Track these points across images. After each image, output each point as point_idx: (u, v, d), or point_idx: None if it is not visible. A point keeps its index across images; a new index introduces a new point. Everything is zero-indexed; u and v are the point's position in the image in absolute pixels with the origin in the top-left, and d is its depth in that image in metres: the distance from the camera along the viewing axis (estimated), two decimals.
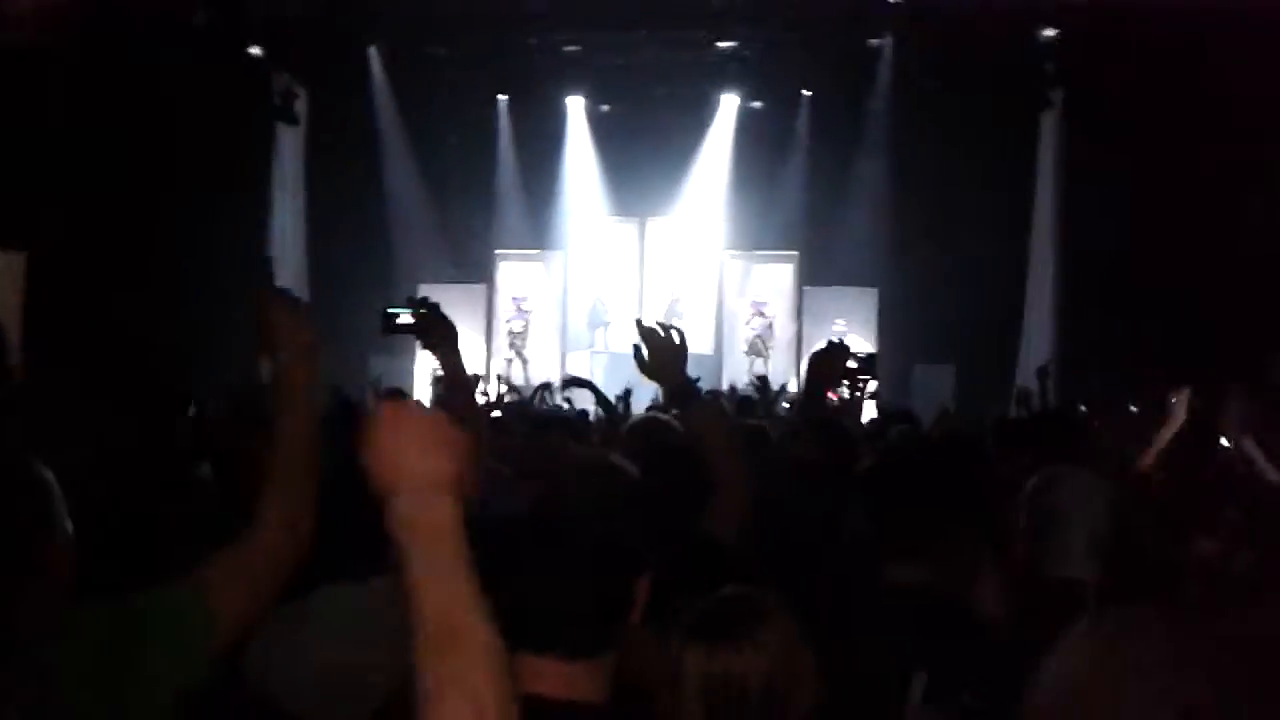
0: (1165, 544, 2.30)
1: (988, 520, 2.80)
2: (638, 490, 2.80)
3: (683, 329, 3.25)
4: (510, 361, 14.81)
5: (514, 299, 15.05)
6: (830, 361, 3.64)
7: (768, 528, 3.07)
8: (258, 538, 2.06)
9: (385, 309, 3.29)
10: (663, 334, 3.13)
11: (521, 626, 1.67)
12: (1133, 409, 5.91)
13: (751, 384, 9.65)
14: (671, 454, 3.13)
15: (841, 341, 3.94)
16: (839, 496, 3.35)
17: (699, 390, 3.36)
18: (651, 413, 4.23)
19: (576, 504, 2.62)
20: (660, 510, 2.79)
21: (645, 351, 3.14)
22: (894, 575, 2.58)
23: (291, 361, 2.18)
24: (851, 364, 3.87)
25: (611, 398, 8.67)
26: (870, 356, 4.08)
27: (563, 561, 1.83)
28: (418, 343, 3.29)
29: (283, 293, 2.29)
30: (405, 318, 3.20)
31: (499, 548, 1.80)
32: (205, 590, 1.98)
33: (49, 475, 1.98)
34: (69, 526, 1.98)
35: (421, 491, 1.45)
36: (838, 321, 13.98)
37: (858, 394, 4.60)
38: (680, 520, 2.90)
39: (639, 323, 3.20)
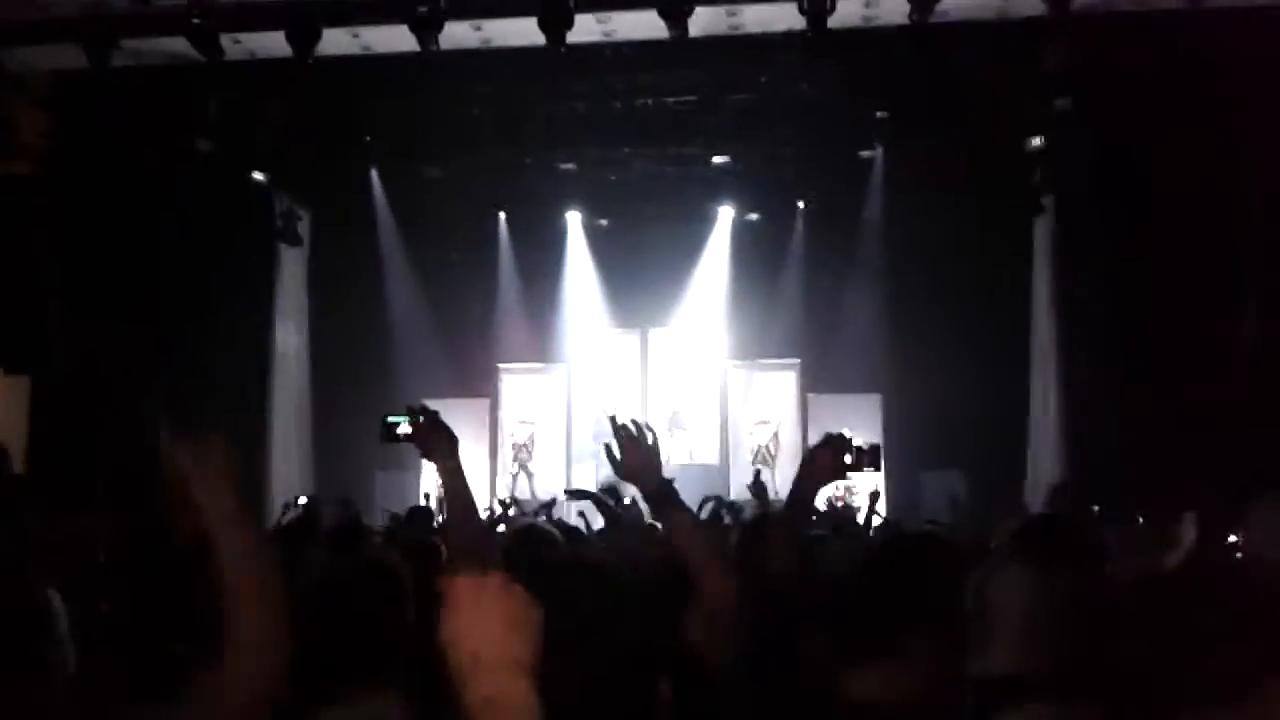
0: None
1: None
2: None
3: (655, 430, 3.11)
4: (515, 476, 14.76)
5: (517, 412, 15.06)
6: (829, 454, 3.32)
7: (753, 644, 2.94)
8: (228, 663, 2.02)
9: (385, 417, 3.27)
10: (635, 432, 2.96)
11: None
12: (1140, 519, 5.88)
13: (749, 489, 9.49)
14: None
15: (841, 434, 3.56)
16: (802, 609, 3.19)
17: (675, 493, 3.18)
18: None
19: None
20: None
21: (618, 451, 2.99)
22: (852, 689, 2.48)
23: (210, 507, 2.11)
24: (848, 458, 3.38)
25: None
26: (875, 448, 3.52)
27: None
28: (423, 459, 3.24)
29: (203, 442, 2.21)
30: (404, 426, 3.19)
31: None
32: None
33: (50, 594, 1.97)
34: (64, 636, 1.96)
35: (503, 672, 1.48)
36: (845, 430, 13.90)
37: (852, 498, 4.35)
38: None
39: (612, 420, 3.01)
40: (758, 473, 8.10)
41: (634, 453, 2.96)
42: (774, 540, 3.44)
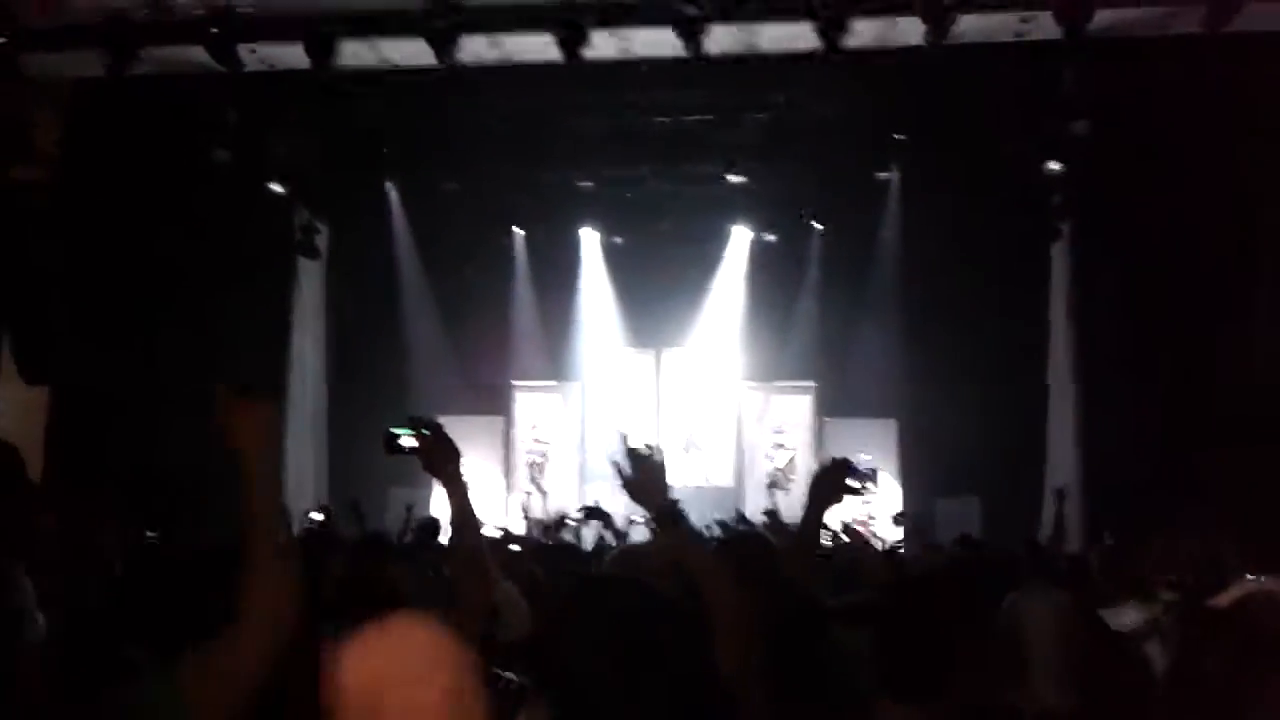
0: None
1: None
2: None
3: (665, 451, 3.12)
4: (529, 494, 14.72)
5: (532, 430, 15.03)
6: (831, 478, 3.57)
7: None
8: (240, 630, 2.06)
9: (388, 429, 3.15)
10: (646, 452, 2.96)
11: None
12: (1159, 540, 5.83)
13: (764, 516, 9.46)
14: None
15: (844, 458, 3.69)
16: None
17: (684, 514, 3.18)
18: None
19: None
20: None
21: (628, 470, 2.95)
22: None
23: (252, 454, 2.21)
24: (852, 482, 3.66)
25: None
26: (871, 470, 3.75)
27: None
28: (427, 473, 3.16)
29: (246, 391, 2.29)
30: (407, 439, 3.10)
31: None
32: (180, 686, 2.00)
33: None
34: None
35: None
36: (862, 455, 13.79)
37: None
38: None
39: (624, 438, 3.03)
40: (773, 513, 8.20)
41: (643, 473, 2.95)
42: (788, 560, 3.52)
